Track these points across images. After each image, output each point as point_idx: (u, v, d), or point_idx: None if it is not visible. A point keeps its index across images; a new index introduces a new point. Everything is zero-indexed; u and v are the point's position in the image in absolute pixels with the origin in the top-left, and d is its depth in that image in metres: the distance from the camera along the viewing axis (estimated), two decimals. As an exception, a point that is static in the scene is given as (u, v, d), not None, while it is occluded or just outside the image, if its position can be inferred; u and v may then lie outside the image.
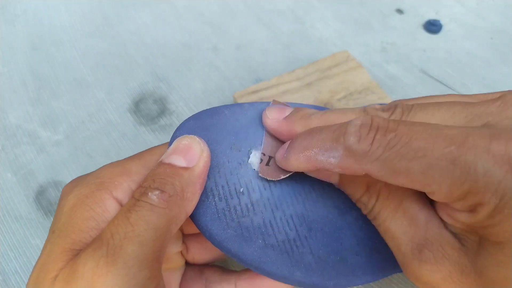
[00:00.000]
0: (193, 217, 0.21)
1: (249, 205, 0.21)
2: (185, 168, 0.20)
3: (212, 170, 0.21)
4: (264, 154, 0.22)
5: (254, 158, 0.22)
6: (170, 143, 0.21)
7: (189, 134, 0.21)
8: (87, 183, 0.20)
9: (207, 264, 0.26)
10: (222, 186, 0.21)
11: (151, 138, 0.36)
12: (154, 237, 0.18)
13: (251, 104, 0.24)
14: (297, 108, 0.22)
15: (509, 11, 0.45)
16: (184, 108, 0.38)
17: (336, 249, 0.21)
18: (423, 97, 0.22)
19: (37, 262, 0.19)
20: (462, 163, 0.15)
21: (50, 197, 0.33)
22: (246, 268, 0.23)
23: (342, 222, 0.22)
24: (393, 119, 0.19)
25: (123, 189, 0.20)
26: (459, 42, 0.42)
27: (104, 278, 0.16)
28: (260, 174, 0.22)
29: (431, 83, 0.39)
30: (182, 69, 0.41)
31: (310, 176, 0.22)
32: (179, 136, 0.21)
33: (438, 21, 0.43)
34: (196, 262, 0.25)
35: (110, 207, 0.20)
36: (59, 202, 0.21)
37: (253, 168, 0.22)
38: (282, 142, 0.23)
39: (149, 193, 0.18)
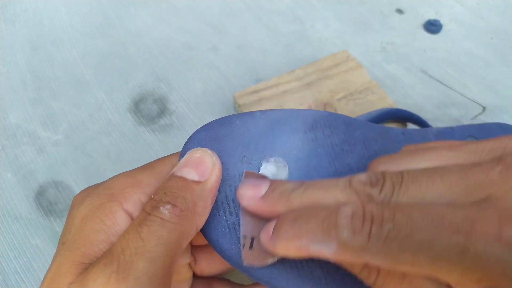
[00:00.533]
0: (203, 231, 0.21)
1: None
2: (197, 182, 0.19)
3: (223, 183, 0.21)
4: (245, 237, 0.20)
5: (265, 171, 0.22)
6: (181, 155, 0.21)
7: (200, 146, 0.21)
8: (97, 194, 0.20)
9: (215, 277, 0.25)
10: (233, 200, 0.21)
11: (151, 138, 0.36)
12: (164, 252, 0.17)
13: (263, 112, 0.24)
14: (274, 183, 0.20)
15: (509, 11, 0.45)
16: (184, 108, 0.38)
17: None
18: (406, 153, 0.20)
19: (46, 275, 0.19)
20: (472, 253, 0.14)
21: (50, 197, 0.33)
22: (255, 283, 0.23)
23: None
24: (385, 202, 0.17)
25: (133, 201, 0.20)
26: (459, 42, 0.42)
27: None
28: (244, 264, 0.20)
29: (431, 83, 0.39)
30: (182, 69, 0.41)
31: None
32: (190, 148, 0.21)
33: (438, 21, 0.43)
34: (205, 274, 0.25)
35: (120, 220, 0.19)
36: (69, 213, 0.20)
37: None
38: (263, 219, 0.20)
39: (161, 208, 0.18)
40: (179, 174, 0.19)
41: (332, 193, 0.18)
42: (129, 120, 0.37)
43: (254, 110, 0.35)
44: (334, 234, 0.16)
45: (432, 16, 0.45)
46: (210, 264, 0.24)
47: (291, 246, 0.18)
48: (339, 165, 0.24)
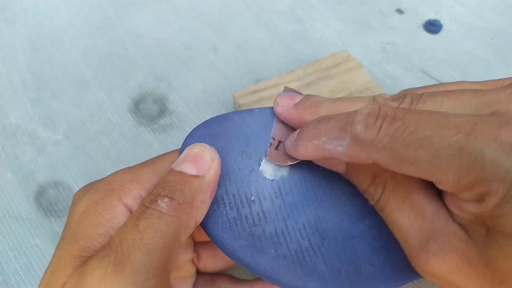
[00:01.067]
0: (204, 226, 0.21)
1: (261, 214, 0.21)
2: (195, 176, 0.19)
3: (222, 178, 0.21)
4: (273, 139, 0.22)
5: (265, 166, 0.22)
6: (181, 151, 0.21)
7: (200, 142, 0.21)
8: (97, 189, 0.20)
9: (218, 273, 0.25)
10: (233, 195, 0.21)
11: (151, 138, 0.36)
12: (162, 245, 0.18)
13: (262, 109, 0.24)
14: (307, 95, 0.22)
15: (509, 11, 0.45)
16: (184, 108, 0.38)
17: (349, 259, 0.21)
18: (433, 85, 0.22)
19: (47, 269, 0.19)
20: (469, 151, 0.15)
21: (50, 197, 0.33)
22: (257, 278, 0.23)
23: (355, 230, 0.21)
24: (402, 107, 0.19)
25: (133, 196, 0.20)
26: (459, 42, 0.42)
27: (112, 286, 0.16)
28: (268, 158, 0.22)
29: (431, 83, 0.39)
30: (182, 69, 0.41)
31: (322, 183, 0.22)
32: (190, 144, 0.21)
33: (438, 21, 0.43)
34: (208, 271, 0.25)
35: (119, 214, 0.20)
36: (70, 209, 0.21)
37: (264, 176, 0.22)
38: (292, 127, 0.23)
39: (159, 201, 0.18)
40: (177, 169, 0.20)
41: (357, 104, 0.20)
42: (129, 120, 0.37)
43: (254, 110, 0.35)
44: (349, 129, 0.18)
45: (432, 16, 0.45)
46: (213, 260, 0.24)
47: (310, 146, 0.19)
48: None
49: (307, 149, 0.20)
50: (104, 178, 0.21)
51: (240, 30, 0.44)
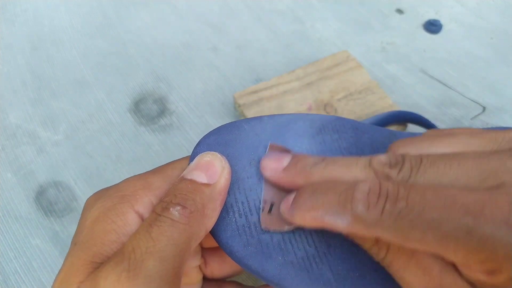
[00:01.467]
0: (213, 233, 0.21)
1: None
2: (207, 185, 0.20)
3: (232, 186, 0.21)
4: (265, 201, 0.21)
5: None
6: (191, 159, 0.22)
7: (209, 149, 0.22)
8: (109, 196, 0.20)
9: (224, 279, 0.25)
10: (242, 203, 0.21)
11: (151, 138, 0.36)
12: (175, 252, 0.18)
13: (271, 117, 0.24)
14: (296, 157, 0.21)
15: (509, 11, 0.45)
16: (184, 108, 0.38)
17: (355, 265, 0.21)
18: (427, 137, 0.21)
19: (58, 274, 0.19)
20: (479, 235, 0.15)
21: (50, 197, 0.33)
22: (264, 284, 0.23)
23: None
24: (403, 182, 0.18)
25: (144, 203, 0.20)
26: (459, 42, 0.42)
27: None
28: (262, 226, 0.21)
29: (431, 83, 0.39)
30: (182, 69, 0.41)
31: None
32: (199, 152, 0.21)
33: (438, 21, 0.43)
34: (215, 277, 0.25)
35: (131, 221, 0.20)
36: (82, 215, 0.21)
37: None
38: (283, 188, 0.22)
39: (171, 209, 0.18)
40: (189, 177, 0.20)
41: (352, 170, 0.19)
42: (129, 120, 0.37)
43: (254, 110, 0.35)
44: (349, 207, 0.17)
45: (432, 16, 0.45)
46: (220, 266, 0.24)
47: (308, 216, 0.19)
48: None
49: (305, 220, 0.19)
50: (115, 184, 0.21)
51: (240, 30, 0.44)
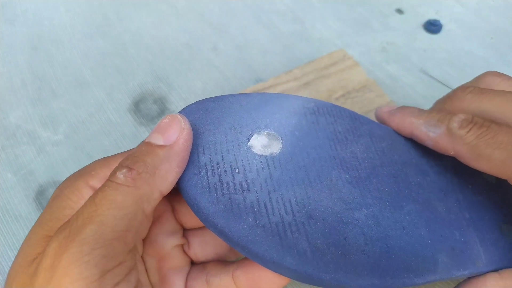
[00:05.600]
0: (182, 190, 0.20)
1: (244, 184, 0.20)
2: (162, 146, 0.20)
3: (208, 146, 0.21)
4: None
5: (255, 142, 0.22)
6: None
7: (190, 116, 0.22)
8: (69, 177, 0.22)
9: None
10: (217, 163, 0.21)
11: (151, 138, 0.36)
12: (118, 216, 0.18)
13: (261, 93, 0.24)
14: (403, 106, 0.26)
15: (509, 11, 0.45)
16: (184, 108, 0.38)
17: (337, 243, 0.20)
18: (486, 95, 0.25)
19: (19, 250, 0.20)
20: None
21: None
22: (244, 258, 0.23)
23: (349, 217, 0.21)
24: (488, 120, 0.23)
25: (100, 177, 0.21)
26: (459, 42, 0.42)
27: (62, 257, 0.17)
28: None
29: (431, 83, 0.39)
30: (182, 69, 0.41)
31: (317, 166, 0.22)
32: None
33: (438, 21, 0.43)
34: (199, 260, 0.25)
35: (86, 195, 0.20)
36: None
37: (253, 150, 0.22)
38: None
39: (117, 172, 0.19)
40: (146, 140, 0.20)
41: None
42: (129, 120, 0.37)
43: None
44: (446, 123, 0.23)
45: (432, 16, 0.45)
46: (203, 247, 0.24)
47: (407, 121, 0.25)
48: (341, 150, 0.23)
49: (403, 121, 0.25)
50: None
51: (240, 30, 0.44)
